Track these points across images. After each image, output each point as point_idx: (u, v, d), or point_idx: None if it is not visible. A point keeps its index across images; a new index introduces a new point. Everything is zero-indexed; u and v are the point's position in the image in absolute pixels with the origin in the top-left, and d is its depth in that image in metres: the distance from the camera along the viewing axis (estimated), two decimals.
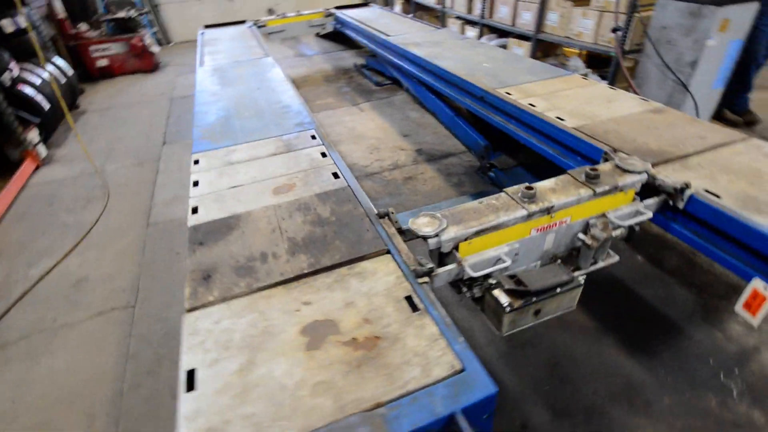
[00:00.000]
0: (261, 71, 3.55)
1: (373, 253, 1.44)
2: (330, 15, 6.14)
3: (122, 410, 2.06)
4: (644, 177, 1.71)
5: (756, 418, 1.84)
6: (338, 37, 7.47)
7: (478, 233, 1.47)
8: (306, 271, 1.37)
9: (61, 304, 2.65)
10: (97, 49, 6.57)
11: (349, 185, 1.85)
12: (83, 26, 6.81)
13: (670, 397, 1.94)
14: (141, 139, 4.76)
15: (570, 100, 2.55)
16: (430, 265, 1.34)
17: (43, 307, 2.61)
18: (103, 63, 6.64)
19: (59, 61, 5.70)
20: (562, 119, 2.31)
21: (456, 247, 1.46)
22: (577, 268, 1.68)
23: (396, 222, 1.58)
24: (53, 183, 3.96)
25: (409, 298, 1.26)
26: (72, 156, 4.47)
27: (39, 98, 4.63)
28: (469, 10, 6.36)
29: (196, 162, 2.16)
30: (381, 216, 1.61)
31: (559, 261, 1.65)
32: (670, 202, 1.70)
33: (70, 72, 5.79)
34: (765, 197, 1.59)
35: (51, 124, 4.87)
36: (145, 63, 6.91)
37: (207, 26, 5.86)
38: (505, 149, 3.44)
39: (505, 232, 1.53)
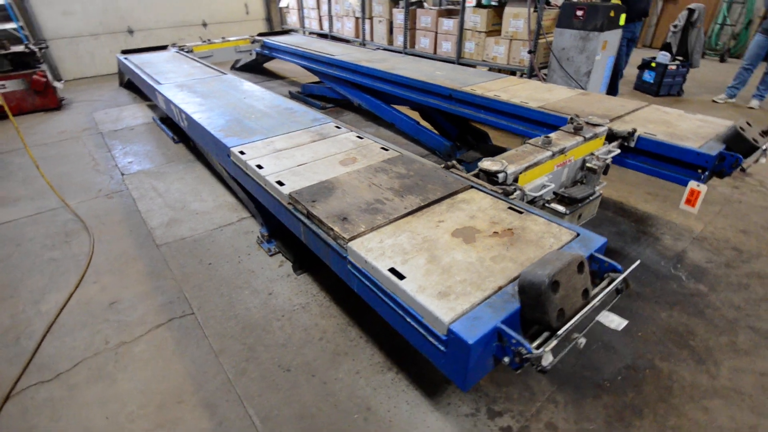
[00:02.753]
0: (233, 85, 3.66)
1: (461, 189, 1.83)
2: (256, 41, 6.34)
3: (240, 393, 2.07)
4: (606, 128, 2.43)
5: (701, 288, 2.69)
6: (254, 68, 7.61)
7: (527, 168, 1.97)
8: (422, 204, 1.70)
9: (104, 327, 2.52)
10: None
11: (401, 153, 2.20)
12: None
13: (650, 288, 2.67)
14: (91, 173, 4.38)
15: (521, 92, 3.29)
16: (515, 186, 1.79)
17: (83, 334, 2.47)
18: None
19: None
20: (525, 103, 3.00)
21: (516, 179, 1.94)
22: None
23: (462, 169, 2.00)
24: (7, 225, 3.48)
25: (511, 208, 1.68)
26: (10, 197, 3.91)
27: None
28: (390, 42, 7.01)
29: (242, 153, 2.28)
30: (448, 168, 2.01)
31: (579, 184, 2.25)
32: (625, 144, 2.44)
33: None
34: (679, 133, 2.42)
35: None
36: (48, 100, 6.10)
37: (124, 51, 5.58)
38: (466, 143, 4.09)
39: (539, 169, 2.06)
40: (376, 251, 1.43)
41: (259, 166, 2.10)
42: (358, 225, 1.57)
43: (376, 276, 1.36)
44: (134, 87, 7.14)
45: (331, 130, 2.55)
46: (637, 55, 7.47)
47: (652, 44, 10.37)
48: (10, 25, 6.44)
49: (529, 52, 4.73)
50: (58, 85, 6.21)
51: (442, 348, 1.18)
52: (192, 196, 3.90)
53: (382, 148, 2.26)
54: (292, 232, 3.05)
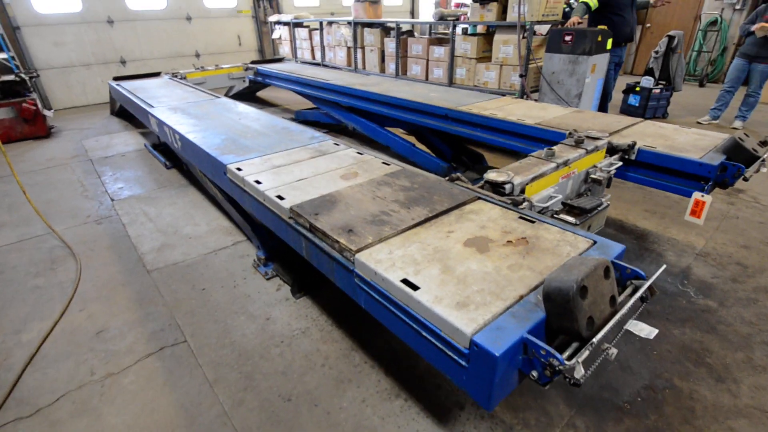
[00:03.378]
0: (227, 107, 3.64)
1: (469, 200, 1.77)
2: (249, 69, 6.41)
3: (237, 426, 1.92)
4: (606, 141, 2.42)
5: (711, 304, 2.62)
6: (247, 96, 7.65)
7: (534, 179, 1.93)
8: (430, 215, 1.64)
9: (90, 357, 2.36)
10: None
11: (403, 167, 2.16)
12: None
13: (660, 305, 2.60)
14: (80, 200, 4.26)
15: (516, 110, 3.31)
16: (523, 197, 1.74)
17: (67, 365, 2.31)
18: None
19: None
20: (522, 120, 3.01)
21: (523, 191, 1.89)
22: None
23: (467, 181, 1.95)
24: None
25: (522, 217, 1.62)
26: None
27: None
28: (382, 70, 7.17)
29: (239, 169, 2.21)
30: (452, 180, 1.97)
31: (586, 194, 2.21)
32: (626, 157, 2.43)
33: None
34: (678, 145, 2.43)
35: None
36: (37, 129, 6.03)
37: (116, 78, 5.58)
38: (462, 165, 4.09)
39: (545, 181, 2.02)
40: (385, 263, 1.35)
41: (258, 182, 2.03)
42: (365, 236, 1.49)
43: (387, 288, 1.28)
44: (125, 115, 7.13)
45: (330, 147, 2.51)
46: (621, 81, 7.72)
47: (633, 71, 10.77)
48: (1, 55, 6.44)
49: (520, 75, 4.84)
50: (47, 113, 6.16)
51: (464, 363, 1.08)
52: (184, 221, 3.79)
53: (384, 163, 2.22)
54: (290, 254, 2.98)
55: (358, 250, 1.42)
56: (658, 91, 6.61)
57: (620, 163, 2.35)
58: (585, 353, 1.00)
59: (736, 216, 3.79)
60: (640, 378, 2.16)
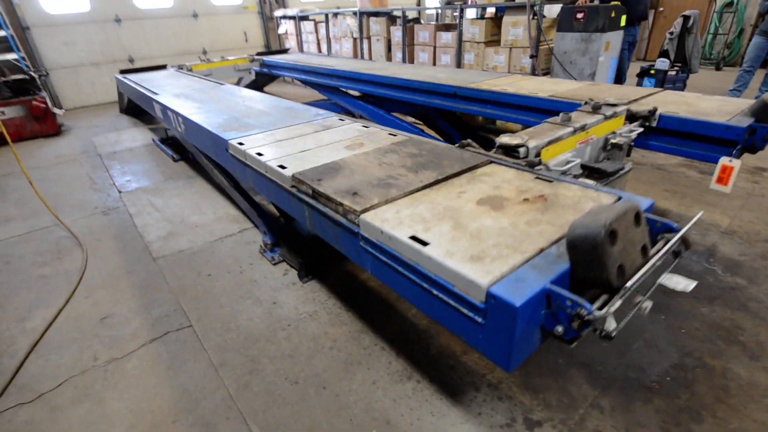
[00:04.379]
0: (231, 92, 3.58)
1: (481, 163, 1.67)
2: (255, 60, 6.37)
3: (242, 409, 1.85)
4: (625, 108, 2.29)
5: (740, 281, 2.47)
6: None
7: (549, 143, 1.81)
8: (440, 178, 1.54)
9: (94, 343, 2.32)
10: None
11: (410, 137, 2.06)
12: None
13: None
14: (88, 192, 4.27)
15: (528, 85, 3.19)
16: (539, 159, 1.63)
17: (70, 351, 2.28)
18: None
19: None
20: (535, 93, 2.89)
21: (538, 154, 1.78)
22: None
23: (478, 147, 1.84)
24: None
25: (539, 178, 1.51)
26: (2, 218, 3.78)
27: None
28: (389, 59, 7.01)
29: (241, 143, 2.14)
30: (462, 146, 1.86)
31: (609, 158, 2.08)
32: (646, 124, 2.30)
33: None
34: (702, 111, 2.28)
35: None
36: (47, 126, 6.07)
37: (123, 71, 5.58)
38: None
39: (561, 145, 1.90)
40: (392, 221, 1.25)
41: (259, 154, 1.95)
42: (371, 198, 1.40)
43: (395, 247, 1.18)
44: (135, 112, 7.16)
45: (335, 122, 2.42)
46: (634, 67, 7.49)
47: (646, 57, 10.49)
48: (11, 56, 6.49)
49: (531, 56, 4.69)
50: (57, 111, 6.20)
51: (480, 319, 0.98)
52: (191, 210, 3.74)
53: (390, 134, 2.12)
54: (297, 238, 2.90)
55: (363, 211, 1.33)
56: (674, 73, 6.38)
57: (641, 129, 2.21)
58: (617, 303, 0.89)
59: (762, 194, 3.60)
60: (668, 357, 2.02)
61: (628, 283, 0.87)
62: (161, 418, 1.87)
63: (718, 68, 9.06)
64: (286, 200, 1.78)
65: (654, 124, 2.27)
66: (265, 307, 2.48)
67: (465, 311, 1.01)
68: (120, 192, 4.24)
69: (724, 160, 2.06)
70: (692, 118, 2.16)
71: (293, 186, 1.67)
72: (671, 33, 6.49)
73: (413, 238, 1.15)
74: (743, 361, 1.98)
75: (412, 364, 2.05)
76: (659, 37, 9.91)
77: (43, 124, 6.10)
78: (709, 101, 2.50)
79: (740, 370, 1.94)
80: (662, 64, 6.48)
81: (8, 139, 3.75)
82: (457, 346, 2.14)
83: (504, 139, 1.77)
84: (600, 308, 0.89)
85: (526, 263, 1.02)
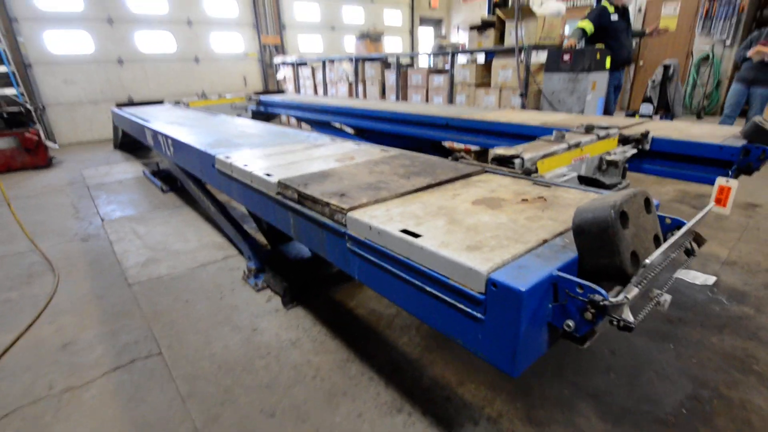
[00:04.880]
0: (224, 120, 3.58)
1: (474, 172, 1.61)
2: (252, 99, 6.51)
3: None
4: (617, 131, 2.29)
5: (747, 311, 2.35)
6: None
7: (545, 156, 1.77)
8: (433, 182, 1.46)
9: (52, 370, 2.11)
10: None
11: (402, 152, 2.01)
12: None
13: (692, 312, 2.33)
14: (70, 220, 4.14)
15: (520, 117, 3.23)
16: (535, 167, 1.57)
17: (23, 379, 2.06)
18: None
19: None
20: (526, 122, 2.91)
21: (535, 167, 1.73)
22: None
23: (471, 159, 1.79)
24: None
25: (536, 183, 1.44)
26: None
27: None
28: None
29: (227, 157, 2.07)
30: (456, 159, 1.81)
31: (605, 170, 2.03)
32: (639, 147, 2.29)
33: None
34: (693, 134, 2.29)
35: None
36: (38, 158, 6.05)
37: (119, 104, 5.63)
38: None
39: (557, 159, 1.86)
40: (382, 218, 1.16)
41: (245, 165, 1.88)
42: (359, 198, 1.31)
43: (384, 243, 1.08)
44: (128, 148, 7.17)
45: (326, 141, 2.38)
46: (617, 116, 7.78)
47: (629, 107, 10.95)
48: (10, 91, 6.59)
49: (521, 95, 4.84)
50: (51, 145, 6.21)
51: (479, 314, 0.86)
52: (175, 238, 3.61)
53: (383, 150, 2.07)
54: (283, 262, 2.76)
55: (351, 209, 1.23)
56: (657, 118, 6.62)
57: (634, 151, 2.20)
58: (633, 291, 0.79)
59: (757, 227, 3.58)
60: (681, 388, 1.86)
61: (650, 258, 0.77)
62: None
63: (699, 117, 9.45)
64: (270, 210, 1.68)
65: (647, 147, 2.26)
66: (244, 334, 2.30)
67: (462, 306, 0.89)
68: (103, 220, 4.10)
69: (720, 181, 2.03)
70: (686, 139, 2.16)
71: (278, 193, 1.58)
72: (653, 81, 6.81)
73: (405, 231, 1.05)
74: (762, 392, 1.83)
75: (403, 395, 1.86)
76: (640, 88, 10.41)
77: (34, 156, 6.06)
78: (700, 127, 2.52)
79: (760, 401, 1.78)
80: (646, 108, 6.74)
81: None
82: (453, 375, 1.96)
83: (499, 150, 1.72)
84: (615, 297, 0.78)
85: (528, 252, 0.92)
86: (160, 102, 5.74)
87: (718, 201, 2.05)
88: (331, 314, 2.47)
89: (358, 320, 2.43)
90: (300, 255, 2.76)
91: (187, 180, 3.44)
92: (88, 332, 2.39)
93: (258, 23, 9.99)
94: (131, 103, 5.59)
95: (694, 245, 1.05)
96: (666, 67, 6.56)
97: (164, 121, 3.66)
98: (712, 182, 2.08)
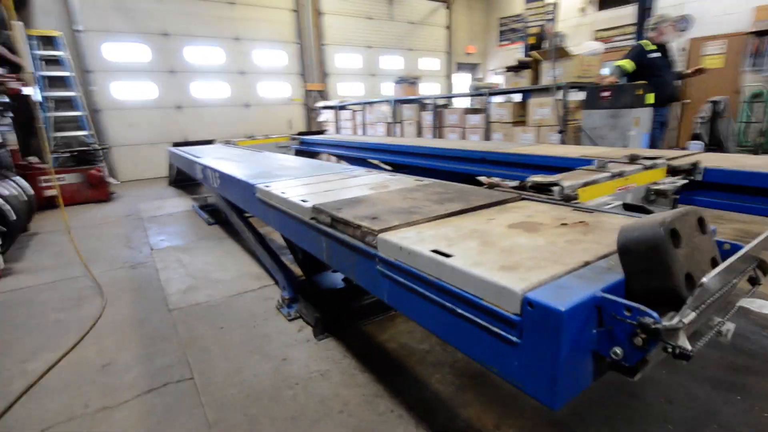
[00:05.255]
0: (269, 156, 3.77)
1: (510, 199, 1.57)
2: (294, 139, 6.84)
3: None
4: (665, 161, 2.18)
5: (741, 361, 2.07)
6: None
7: (585, 184, 1.70)
8: (467, 207, 1.44)
9: (89, 390, 2.18)
10: (47, 179, 6.20)
11: (437, 181, 2.00)
12: (33, 159, 6.56)
13: (759, 361, 2.08)
14: (121, 249, 4.44)
15: (558, 150, 3.17)
16: (575, 194, 1.51)
17: (63, 397, 2.14)
18: (51, 192, 6.20)
19: (21, 181, 5.25)
20: (565, 154, 2.84)
21: (576, 195, 1.66)
22: None
23: (507, 188, 1.75)
24: (24, 290, 3.43)
25: (576, 209, 1.38)
26: (37, 267, 3.95)
27: (6, 208, 4.14)
28: None
29: (267, 186, 2.15)
30: (491, 187, 1.78)
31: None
32: (690, 178, 2.16)
33: (30, 192, 5.32)
34: (748, 165, 2.13)
35: (11, 237, 4.27)
36: (100, 193, 6.65)
37: (175, 144, 6.08)
38: None
39: (600, 188, 1.78)
40: (413, 239, 1.14)
41: (283, 193, 1.94)
42: (391, 221, 1.30)
43: (414, 263, 1.05)
44: (182, 185, 7.67)
45: (362, 173, 2.43)
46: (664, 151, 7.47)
47: (678, 144, 10.50)
48: (81, 133, 7.33)
49: (559, 131, 4.78)
50: (112, 181, 6.76)
51: (514, 338, 0.80)
52: (215, 267, 3.73)
53: (417, 179, 2.08)
54: (317, 292, 2.76)
55: (382, 231, 1.22)
56: None
57: (685, 182, 2.07)
58: (689, 314, 0.71)
59: None
60: None
61: (703, 279, 0.70)
62: None
63: (756, 153, 8.89)
64: (304, 235, 1.71)
65: (699, 178, 2.13)
66: (273, 363, 2.28)
67: (496, 329, 0.84)
68: (152, 249, 4.34)
69: None
70: (742, 169, 2.02)
71: (312, 218, 1.60)
72: (702, 117, 6.55)
73: (435, 251, 1.03)
74: None
75: None
76: (688, 126, 10.00)
77: (97, 191, 6.61)
78: (755, 159, 2.36)
79: None
80: (696, 146, 6.43)
81: (60, 202, 4.06)
82: (489, 418, 1.82)
83: (536, 178, 1.68)
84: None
85: (568, 273, 0.86)
86: (211, 141, 6.15)
87: None
88: (362, 347, 2.41)
89: (389, 354, 2.35)
90: (333, 285, 2.76)
91: (231, 212, 3.59)
92: (127, 354, 2.45)
93: (304, 72, 10.70)
94: (185, 143, 6.04)
95: (759, 273, 0.95)
96: (715, 103, 6.31)
97: (213, 157, 3.90)
98: None
